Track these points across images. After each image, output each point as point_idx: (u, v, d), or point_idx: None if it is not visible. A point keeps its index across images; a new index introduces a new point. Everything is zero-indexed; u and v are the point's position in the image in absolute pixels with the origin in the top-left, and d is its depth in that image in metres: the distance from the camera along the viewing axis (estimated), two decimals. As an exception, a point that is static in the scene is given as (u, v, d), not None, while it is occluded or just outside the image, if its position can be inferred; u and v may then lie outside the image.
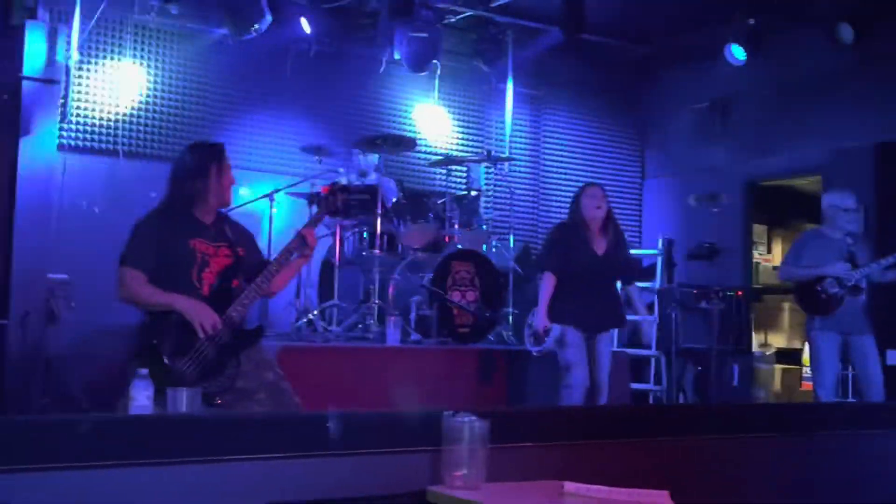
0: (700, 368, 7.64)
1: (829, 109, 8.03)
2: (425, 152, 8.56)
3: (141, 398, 2.98)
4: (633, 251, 9.08)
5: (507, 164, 8.76)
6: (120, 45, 7.59)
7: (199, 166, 3.91)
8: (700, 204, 6.39)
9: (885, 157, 7.46)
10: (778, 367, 9.03)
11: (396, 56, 8.18)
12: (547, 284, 5.52)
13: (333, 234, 7.00)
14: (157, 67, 7.75)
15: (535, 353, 5.69)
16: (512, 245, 7.91)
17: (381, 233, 6.84)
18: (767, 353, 9.03)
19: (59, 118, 7.15)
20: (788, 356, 9.33)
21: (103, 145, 7.49)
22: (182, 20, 7.57)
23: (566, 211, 5.90)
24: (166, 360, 3.59)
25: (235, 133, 7.92)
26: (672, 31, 8.78)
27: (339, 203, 4.14)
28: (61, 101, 7.16)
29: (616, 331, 5.74)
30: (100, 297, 5.60)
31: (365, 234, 7.00)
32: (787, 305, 10.24)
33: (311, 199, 6.94)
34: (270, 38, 7.78)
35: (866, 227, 7.00)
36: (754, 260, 9.74)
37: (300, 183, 7.25)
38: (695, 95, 9.21)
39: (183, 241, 3.83)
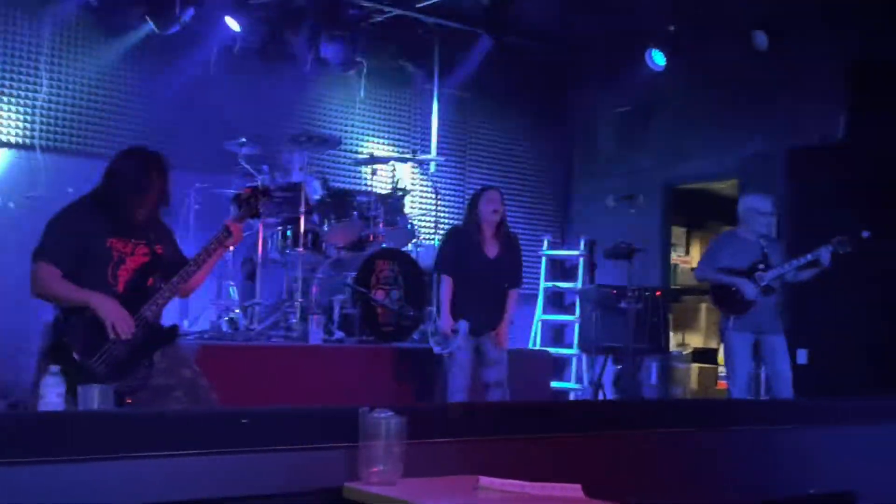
0: (619, 367, 7.78)
1: (744, 115, 8.24)
2: (350, 151, 8.54)
3: (51, 395, 2.93)
4: (557, 252, 9.29)
5: (432, 163, 8.80)
6: (38, 37, 7.40)
7: (138, 178, 3.83)
8: (618, 205, 6.52)
9: (796, 162, 7.69)
10: (695, 365, 9.24)
11: (323, 55, 8.15)
12: (445, 287, 5.69)
13: (256, 232, 6.95)
14: (77, 61, 7.58)
15: (439, 353, 5.79)
16: (436, 244, 7.94)
17: (305, 231, 6.82)
18: (684, 353, 9.24)
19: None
20: (705, 355, 9.56)
21: (20, 139, 7.30)
22: (103, 14, 7.40)
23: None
24: (76, 357, 3.52)
25: (157, 128, 7.78)
26: (597, 36, 8.91)
27: (259, 206, 4.12)
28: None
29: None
30: (13, 293, 5.49)
31: (289, 233, 6.97)
32: (703, 306, 10.48)
33: (234, 200, 6.88)
34: (195, 34, 7.69)
35: (779, 230, 7.21)
36: (672, 261, 9.96)
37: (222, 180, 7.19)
38: (619, 100, 9.36)
39: (99, 237, 3.75)
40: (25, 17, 7.34)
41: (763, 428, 4.08)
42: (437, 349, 5.74)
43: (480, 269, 5.69)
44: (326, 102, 8.78)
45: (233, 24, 7.73)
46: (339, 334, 6.64)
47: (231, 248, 4.00)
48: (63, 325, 3.64)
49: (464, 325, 5.60)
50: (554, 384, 7.71)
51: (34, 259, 3.69)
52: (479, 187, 5.99)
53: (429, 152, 8.93)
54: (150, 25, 7.50)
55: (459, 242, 5.77)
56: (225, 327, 6.65)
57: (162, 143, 7.64)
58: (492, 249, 5.74)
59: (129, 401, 3.59)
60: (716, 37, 7.97)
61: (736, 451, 3.88)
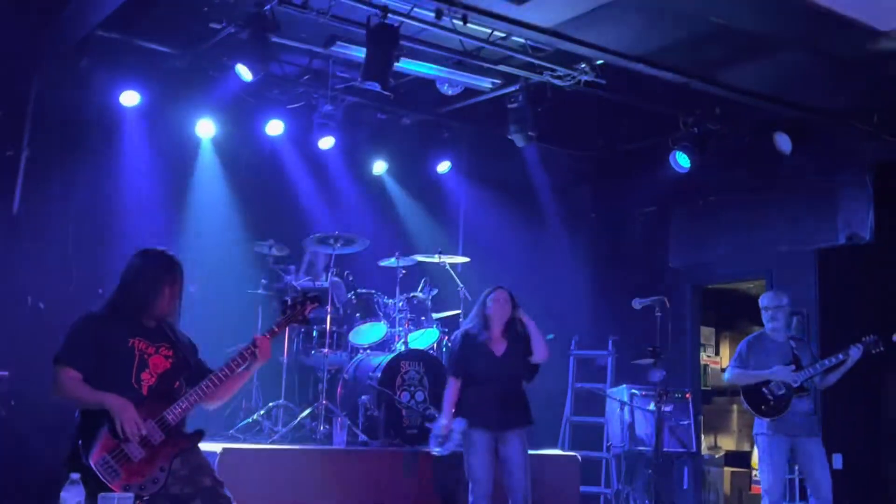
0: (649, 471, 7.60)
1: (771, 215, 8.23)
2: (376, 251, 8.57)
3: (71, 503, 2.90)
4: (585, 352, 9.18)
5: (459, 263, 8.82)
6: (73, 141, 7.58)
7: (152, 277, 3.89)
8: (644, 308, 6.49)
9: (825, 262, 7.64)
10: (727, 469, 9.01)
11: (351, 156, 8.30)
12: (449, 389, 5.70)
13: (283, 333, 6.95)
14: (109, 166, 7.74)
15: (435, 454, 5.70)
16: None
17: (331, 331, 6.82)
18: (717, 456, 9.02)
19: (8, 212, 7.13)
20: (738, 458, 9.33)
21: (52, 242, 7.41)
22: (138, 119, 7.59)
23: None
24: (88, 459, 3.48)
25: (186, 230, 7.91)
26: (620, 136, 9.02)
27: (306, 312, 4.14)
28: (10, 195, 7.14)
29: (525, 433, 5.76)
30: (42, 394, 5.50)
31: (314, 333, 6.97)
32: (735, 407, 10.29)
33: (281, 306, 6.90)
34: (227, 136, 7.86)
35: (809, 331, 7.13)
36: (702, 361, 9.82)
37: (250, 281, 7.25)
38: (644, 200, 9.40)
39: (122, 339, 3.78)
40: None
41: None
42: (434, 451, 5.67)
43: (489, 369, 5.65)
44: (353, 203, 8.88)
45: (245, 73, 7.42)
46: (363, 437, 6.57)
47: (258, 365, 3.97)
48: (80, 428, 3.63)
49: (459, 423, 5.54)
50: (583, 488, 7.52)
51: (55, 363, 3.72)
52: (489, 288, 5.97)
53: (457, 252, 8.96)
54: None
55: (466, 344, 5.75)
56: (248, 429, 6.60)
57: (187, 244, 7.85)
58: (499, 347, 5.71)
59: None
60: (741, 138, 8.03)
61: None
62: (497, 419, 5.61)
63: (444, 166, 8.71)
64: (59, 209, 7.49)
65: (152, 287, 3.86)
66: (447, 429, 5.60)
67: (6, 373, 6.54)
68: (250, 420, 6.63)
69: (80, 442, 3.56)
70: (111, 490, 3.11)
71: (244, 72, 6.31)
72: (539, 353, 5.75)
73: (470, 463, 5.56)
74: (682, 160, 8.05)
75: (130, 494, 3.07)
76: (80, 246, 7.52)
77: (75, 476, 2.97)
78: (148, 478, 3.60)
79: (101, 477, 3.43)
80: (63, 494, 2.98)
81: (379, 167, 8.72)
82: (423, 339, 7.38)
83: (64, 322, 4.11)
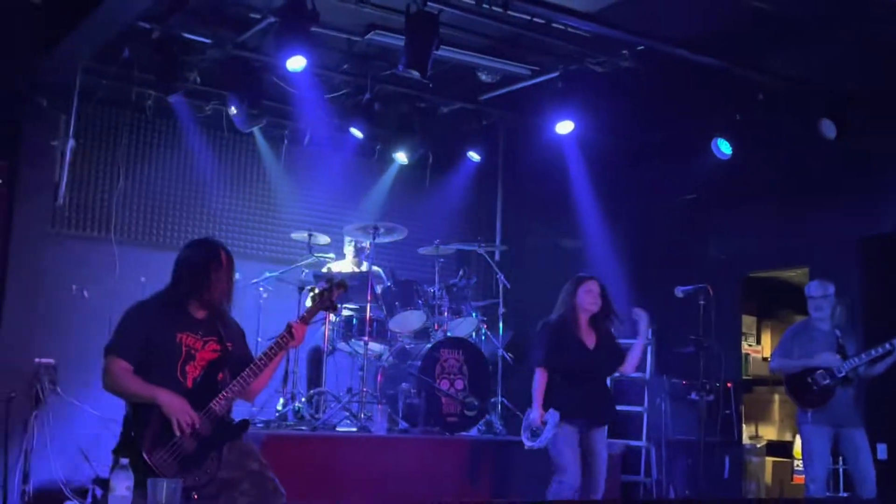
0: (690, 460, 7.56)
1: (814, 202, 8.11)
2: (416, 240, 8.59)
3: (120, 488, 2.95)
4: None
5: (497, 252, 8.80)
6: (116, 132, 7.71)
7: (197, 265, 3.91)
8: (686, 296, 6.43)
9: (869, 250, 7.52)
10: (769, 459, 8.93)
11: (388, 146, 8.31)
12: (538, 380, 5.52)
13: (323, 321, 7.00)
14: (151, 155, 7.86)
15: (527, 447, 5.58)
16: (501, 333, 7.89)
17: (371, 320, 6.85)
18: (758, 446, 8.93)
19: (52, 202, 7.24)
20: (779, 448, 9.24)
21: (96, 231, 7.53)
22: (178, 110, 7.68)
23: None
24: (144, 454, 3.55)
25: (228, 219, 8.00)
26: (660, 124, 8.93)
27: (334, 299, 4.15)
28: (55, 185, 7.26)
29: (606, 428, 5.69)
30: (87, 382, 5.58)
31: (354, 321, 7.00)
32: (777, 397, 10.19)
33: (311, 293, 6.96)
34: (265, 126, 7.92)
35: (853, 320, 7.03)
36: (743, 351, 9.73)
37: (290, 269, 7.30)
38: (685, 187, 9.29)
39: (170, 333, 3.82)
40: (106, 115, 7.67)
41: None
42: (527, 443, 5.56)
43: (581, 362, 5.53)
44: (393, 191, 8.92)
45: (296, 63, 7.34)
46: (402, 424, 6.60)
47: (293, 348, 4.01)
48: (132, 420, 3.69)
49: (554, 416, 5.43)
50: (623, 477, 7.50)
51: (105, 354, 3.76)
52: (576, 276, 5.80)
53: (494, 241, 8.95)
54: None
55: (558, 335, 5.57)
56: (290, 416, 6.65)
57: (231, 232, 7.93)
58: (590, 340, 5.61)
59: (196, 496, 3.59)
60: (783, 125, 7.92)
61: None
62: (589, 413, 5.53)
63: (477, 156, 8.69)
64: (103, 199, 7.62)
65: (198, 275, 3.89)
66: (541, 421, 5.47)
67: (52, 360, 6.66)
68: (292, 407, 6.68)
69: (132, 433, 3.62)
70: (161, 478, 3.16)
71: (295, 63, 6.34)
72: (631, 367, 5.69)
73: (561, 454, 5.42)
74: (723, 147, 7.96)
75: (179, 480, 3.11)
76: (123, 235, 7.65)
77: (124, 461, 3.02)
78: (201, 468, 3.67)
79: (157, 471, 3.48)
80: (112, 480, 3.03)
81: (415, 156, 8.66)
82: (463, 327, 7.39)
83: (108, 311, 4.18)
